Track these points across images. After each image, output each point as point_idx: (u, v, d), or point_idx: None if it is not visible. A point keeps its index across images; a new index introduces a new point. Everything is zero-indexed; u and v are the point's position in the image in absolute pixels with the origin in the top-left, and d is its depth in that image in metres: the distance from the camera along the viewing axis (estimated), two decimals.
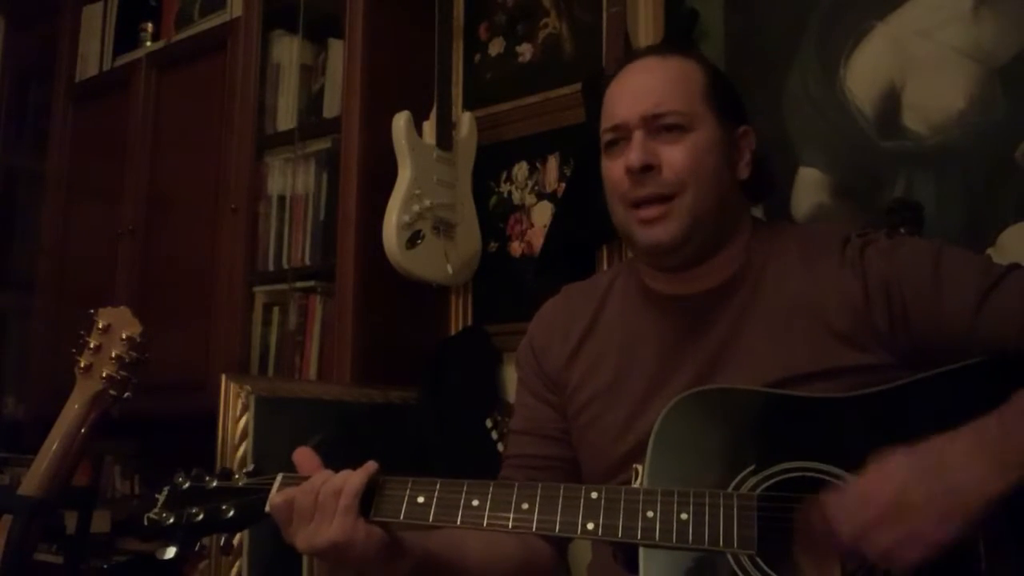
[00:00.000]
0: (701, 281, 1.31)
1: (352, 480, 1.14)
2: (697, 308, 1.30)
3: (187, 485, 1.22)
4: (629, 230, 1.30)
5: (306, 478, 1.18)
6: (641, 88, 1.31)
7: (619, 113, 1.30)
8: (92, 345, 1.60)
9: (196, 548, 1.21)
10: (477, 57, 2.59)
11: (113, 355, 1.59)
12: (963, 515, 0.97)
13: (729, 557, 1.06)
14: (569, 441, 1.38)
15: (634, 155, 1.26)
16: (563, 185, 2.34)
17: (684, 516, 1.07)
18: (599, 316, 1.39)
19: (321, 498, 1.13)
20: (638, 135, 1.27)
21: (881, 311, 1.18)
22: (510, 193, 2.47)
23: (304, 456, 1.21)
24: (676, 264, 1.31)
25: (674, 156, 1.26)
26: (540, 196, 2.42)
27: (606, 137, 1.32)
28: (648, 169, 1.26)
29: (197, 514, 1.19)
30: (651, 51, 1.40)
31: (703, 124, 1.28)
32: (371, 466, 1.17)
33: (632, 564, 1.10)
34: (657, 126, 1.27)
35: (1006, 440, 0.99)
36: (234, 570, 1.90)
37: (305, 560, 1.93)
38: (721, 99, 1.32)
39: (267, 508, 1.18)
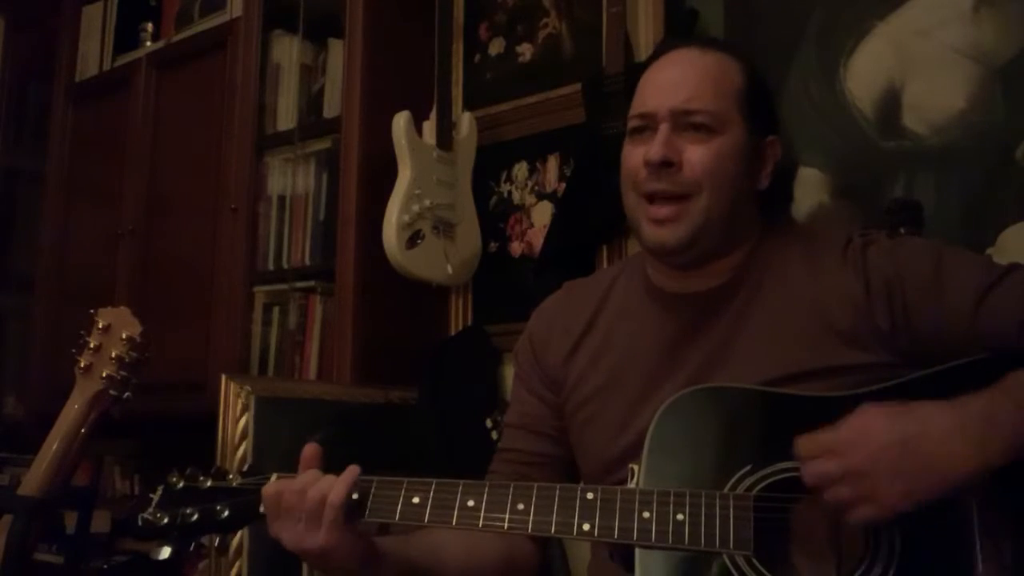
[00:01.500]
0: (705, 280, 1.30)
1: (335, 492, 1.13)
2: (699, 306, 1.29)
3: (181, 485, 1.22)
4: (638, 223, 1.29)
5: None
6: (676, 80, 1.28)
7: (649, 102, 1.28)
8: (92, 345, 1.60)
9: (192, 548, 1.21)
10: (477, 57, 2.59)
11: (113, 355, 1.59)
12: (926, 492, 0.99)
13: (725, 558, 1.05)
14: (561, 439, 1.38)
15: (655, 149, 1.24)
16: (563, 185, 2.33)
17: (680, 517, 1.06)
18: (600, 312, 1.39)
19: (308, 504, 1.13)
20: (664, 128, 1.25)
21: (883, 310, 1.18)
22: (510, 193, 2.46)
23: (310, 453, 1.20)
24: (679, 264, 1.30)
25: (695, 156, 1.24)
26: (540, 196, 2.41)
27: (632, 123, 1.30)
28: (667, 165, 1.24)
29: (192, 514, 1.19)
30: (694, 42, 1.35)
31: (731, 128, 1.26)
32: (353, 471, 1.16)
33: (629, 563, 1.10)
34: (684, 123, 1.25)
35: (989, 421, 1.00)
36: (234, 570, 1.90)
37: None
38: (754, 105, 1.29)
39: (261, 507, 1.18)
